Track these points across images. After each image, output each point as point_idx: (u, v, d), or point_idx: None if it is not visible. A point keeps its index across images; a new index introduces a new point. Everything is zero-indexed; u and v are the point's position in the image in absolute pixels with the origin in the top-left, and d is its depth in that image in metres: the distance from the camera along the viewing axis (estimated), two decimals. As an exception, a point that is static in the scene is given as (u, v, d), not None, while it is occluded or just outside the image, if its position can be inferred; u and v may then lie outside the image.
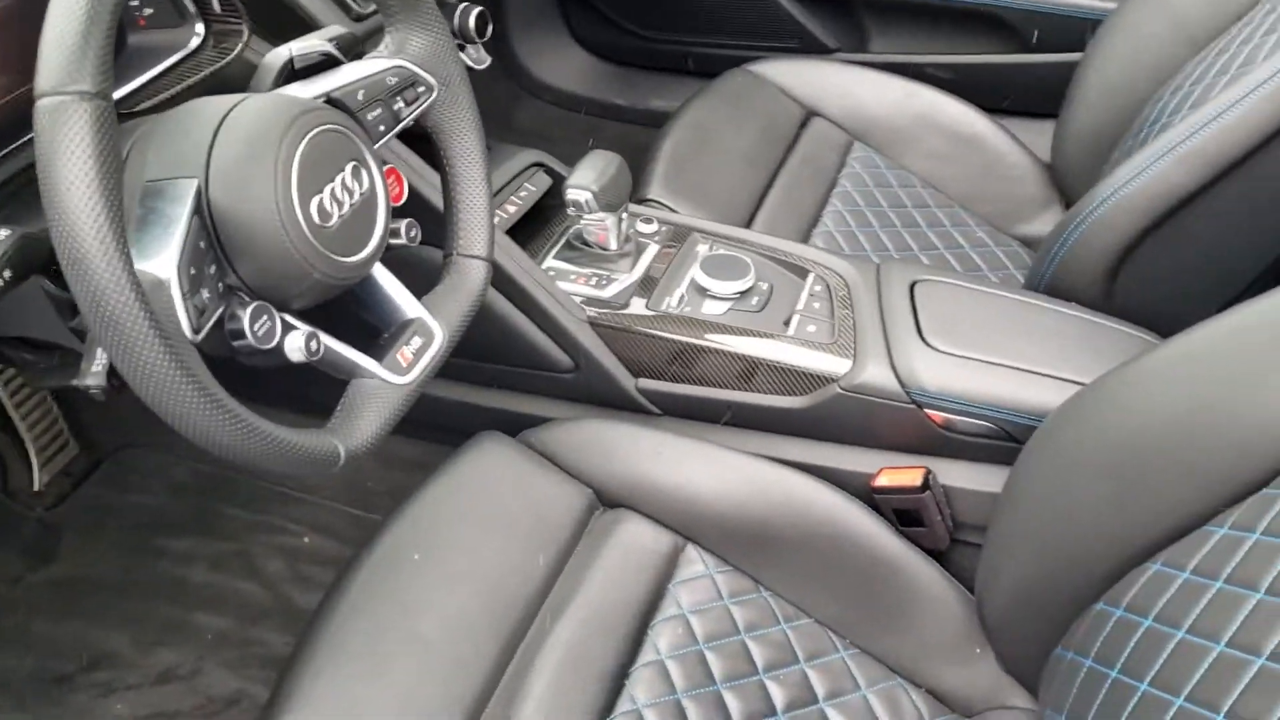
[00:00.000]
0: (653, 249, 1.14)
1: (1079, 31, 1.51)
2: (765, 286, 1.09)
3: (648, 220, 1.17)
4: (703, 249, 1.14)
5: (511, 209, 1.16)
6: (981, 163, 1.51)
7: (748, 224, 1.35)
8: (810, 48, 1.70)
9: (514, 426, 1.04)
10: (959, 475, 1.01)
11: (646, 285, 1.09)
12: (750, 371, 1.03)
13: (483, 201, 0.85)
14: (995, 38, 1.64)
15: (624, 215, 1.10)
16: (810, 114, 1.55)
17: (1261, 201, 1.02)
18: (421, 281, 0.82)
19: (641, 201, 1.32)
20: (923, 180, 1.52)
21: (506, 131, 1.90)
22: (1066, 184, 1.47)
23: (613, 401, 1.09)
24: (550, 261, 1.12)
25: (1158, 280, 1.07)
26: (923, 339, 1.01)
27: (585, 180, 1.06)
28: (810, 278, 1.12)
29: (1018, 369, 0.98)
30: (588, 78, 1.87)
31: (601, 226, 1.09)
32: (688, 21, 1.77)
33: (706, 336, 1.05)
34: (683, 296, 1.08)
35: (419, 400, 0.78)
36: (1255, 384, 0.68)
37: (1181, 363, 0.75)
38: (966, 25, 1.64)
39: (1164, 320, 1.11)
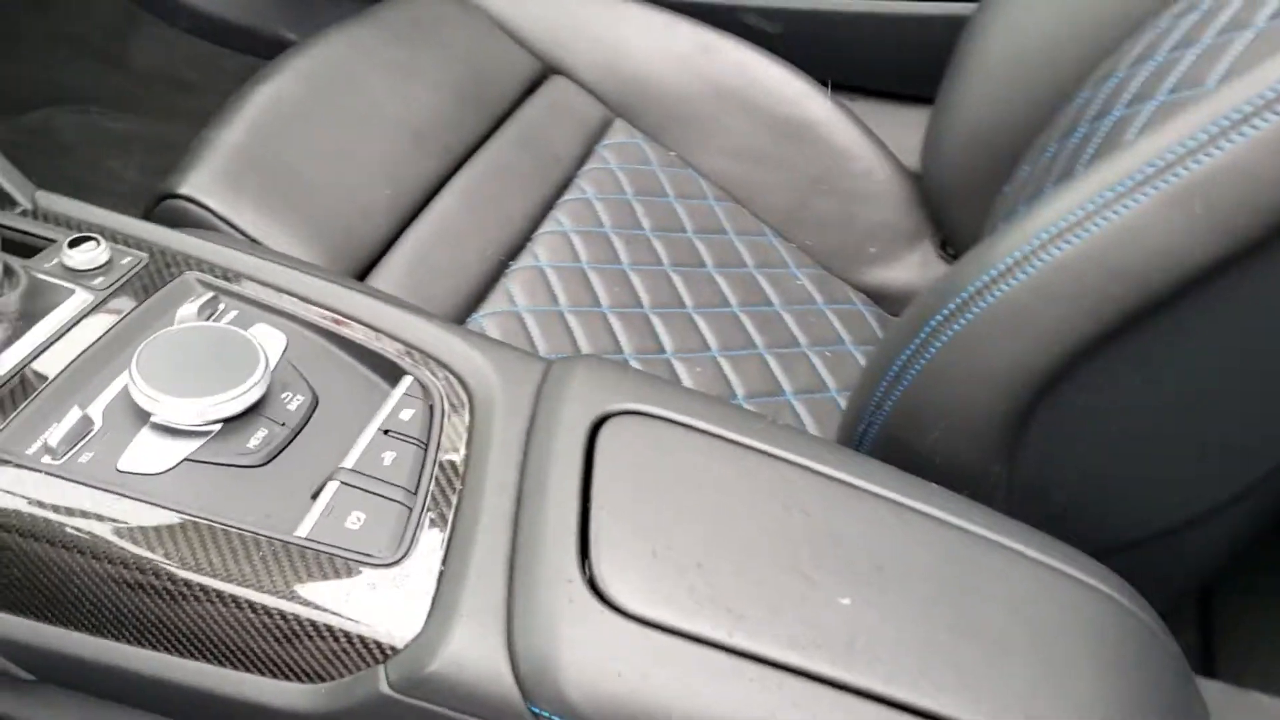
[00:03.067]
0: (76, 302, 0.53)
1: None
2: (295, 403, 0.50)
3: (92, 238, 0.56)
4: (187, 310, 0.54)
5: None
6: (814, 167, 0.95)
7: (377, 258, 0.76)
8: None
9: None
10: None
11: (20, 394, 0.49)
12: (207, 624, 0.44)
13: None
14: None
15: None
16: (548, 70, 0.97)
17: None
18: None
19: (164, 200, 0.71)
20: (717, 190, 0.95)
21: (118, 72, 1.26)
22: (944, 209, 0.92)
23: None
24: None
25: (1110, 441, 0.51)
26: (589, 579, 0.43)
27: None
28: (403, 386, 0.53)
29: (792, 669, 0.41)
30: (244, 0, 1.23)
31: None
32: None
33: (117, 531, 0.45)
34: (88, 429, 0.48)
35: None
36: None
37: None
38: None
39: (1121, 521, 0.56)
